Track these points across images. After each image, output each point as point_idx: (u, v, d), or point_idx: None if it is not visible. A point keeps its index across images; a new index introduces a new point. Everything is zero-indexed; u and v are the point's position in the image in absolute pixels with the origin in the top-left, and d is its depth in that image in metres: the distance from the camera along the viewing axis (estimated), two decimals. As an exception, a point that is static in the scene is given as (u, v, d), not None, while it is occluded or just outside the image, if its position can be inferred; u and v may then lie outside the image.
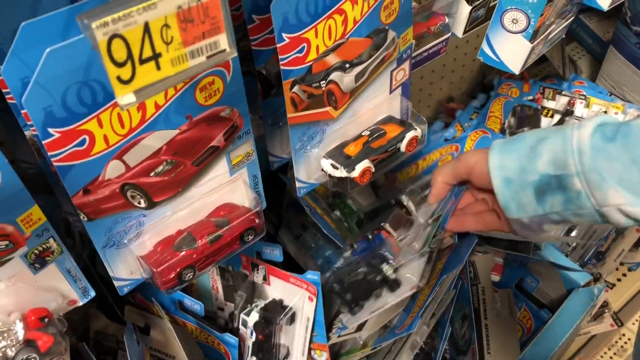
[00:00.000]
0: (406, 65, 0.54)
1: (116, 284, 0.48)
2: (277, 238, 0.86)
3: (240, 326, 0.65)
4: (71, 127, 0.38)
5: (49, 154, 0.38)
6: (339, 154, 0.53)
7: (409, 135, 0.54)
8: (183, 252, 0.47)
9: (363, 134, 0.54)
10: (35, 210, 0.40)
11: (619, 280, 1.01)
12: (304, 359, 0.66)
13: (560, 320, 0.79)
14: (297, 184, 0.54)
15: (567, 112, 1.05)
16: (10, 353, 0.42)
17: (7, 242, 0.40)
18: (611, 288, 1.00)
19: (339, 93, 0.50)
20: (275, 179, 0.87)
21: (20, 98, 0.36)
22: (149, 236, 0.47)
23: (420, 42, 0.65)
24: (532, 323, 0.88)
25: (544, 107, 1.08)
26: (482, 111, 1.09)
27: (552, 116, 1.06)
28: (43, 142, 0.38)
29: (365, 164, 0.52)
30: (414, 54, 0.66)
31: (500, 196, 0.56)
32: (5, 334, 0.42)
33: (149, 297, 0.63)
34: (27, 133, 0.44)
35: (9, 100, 0.41)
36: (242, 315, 0.64)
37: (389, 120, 0.56)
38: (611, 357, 1.36)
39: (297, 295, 0.66)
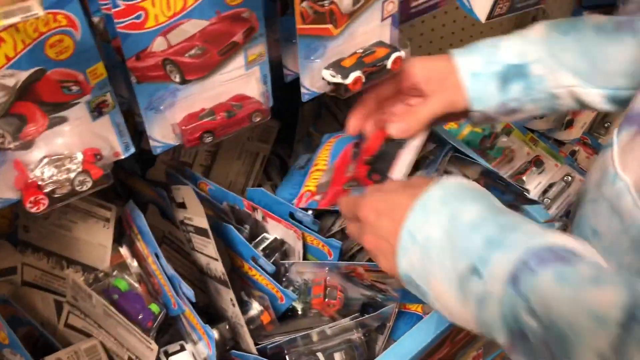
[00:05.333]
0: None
1: (151, 143, 0.62)
2: (289, 166, 1.00)
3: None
4: (133, 2, 0.52)
5: (116, 20, 0.52)
6: (337, 66, 0.66)
7: (395, 55, 0.67)
8: (205, 121, 0.61)
9: (357, 51, 0.68)
10: (100, 66, 0.55)
11: (590, 241, 1.13)
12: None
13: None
14: (302, 90, 0.68)
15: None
16: (71, 175, 0.56)
17: (78, 87, 0.55)
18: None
19: (338, 13, 0.64)
20: (289, 118, 1.01)
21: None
22: (179, 108, 0.61)
23: (420, -9, 0.79)
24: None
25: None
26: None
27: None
28: (113, 10, 0.52)
29: (357, 73, 0.65)
30: (413, 4, 0.79)
31: (469, 90, 0.68)
32: (69, 160, 0.56)
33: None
34: (96, 19, 0.58)
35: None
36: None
37: (380, 44, 0.69)
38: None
39: (289, 235, 0.80)
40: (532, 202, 0.87)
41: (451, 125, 1.18)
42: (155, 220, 0.83)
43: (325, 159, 0.85)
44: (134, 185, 0.84)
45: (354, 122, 0.72)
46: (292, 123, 1.04)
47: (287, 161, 1.03)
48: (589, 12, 1.41)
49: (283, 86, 0.71)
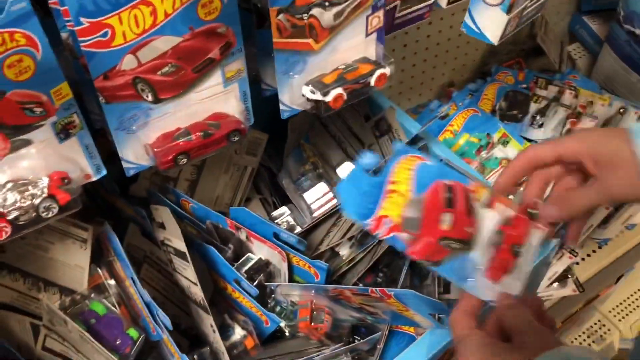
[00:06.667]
0: (380, 14, 0.64)
1: (124, 165, 0.59)
2: (277, 179, 0.97)
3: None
4: (98, 19, 0.49)
5: (80, 39, 0.49)
6: (317, 82, 0.63)
7: (379, 71, 0.64)
8: (180, 142, 0.58)
9: (339, 67, 0.64)
10: (65, 86, 0.52)
11: (588, 255, 1.09)
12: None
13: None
14: (282, 107, 0.65)
15: (554, 99, 1.14)
16: (36, 201, 0.53)
17: (41, 109, 0.51)
18: (577, 263, 1.07)
19: (319, 27, 0.60)
20: (279, 129, 0.98)
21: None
22: (153, 128, 0.58)
23: (406, 3, 0.75)
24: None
25: (534, 94, 1.16)
26: (477, 94, 1.18)
27: (540, 102, 1.14)
28: (76, 28, 0.49)
29: (338, 90, 0.62)
30: (398, 14, 0.76)
31: None
32: (34, 184, 0.53)
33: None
34: (64, 35, 0.55)
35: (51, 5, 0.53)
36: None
37: (364, 60, 0.66)
38: (589, 344, 1.42)
39: (274, 256, 0.77)
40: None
41: (447, 135, 1.15)
42: (136, 239, 0.80)
43: (405, 181, 0.64)
44: (114, 203, 0.81)
45: (502, 182, 0.64)
46: (281, 134, 1.01)
47: (277, 174, 1.00)
48: (589, 17, 1.38)
49: (270, 97, 0.67)
